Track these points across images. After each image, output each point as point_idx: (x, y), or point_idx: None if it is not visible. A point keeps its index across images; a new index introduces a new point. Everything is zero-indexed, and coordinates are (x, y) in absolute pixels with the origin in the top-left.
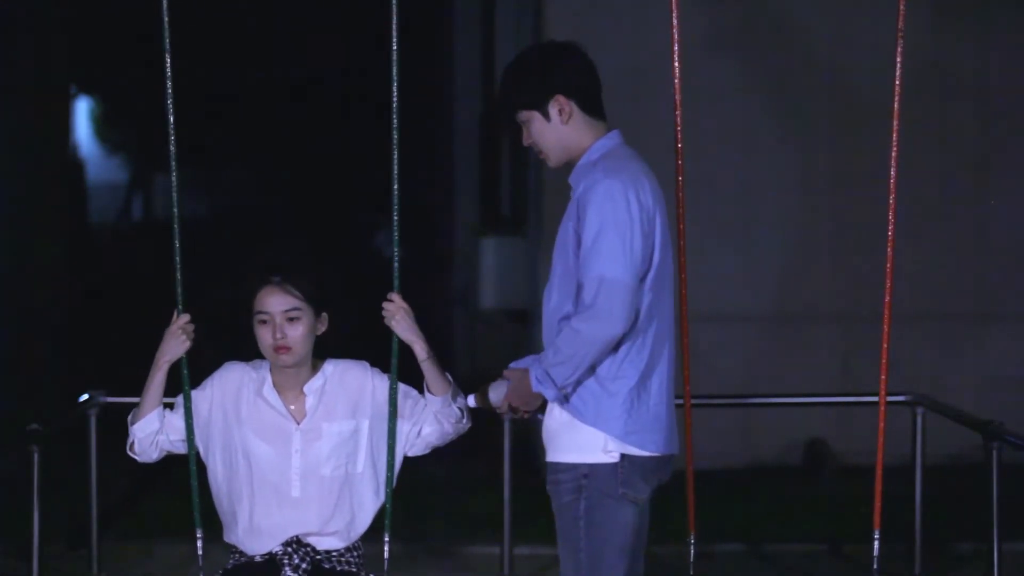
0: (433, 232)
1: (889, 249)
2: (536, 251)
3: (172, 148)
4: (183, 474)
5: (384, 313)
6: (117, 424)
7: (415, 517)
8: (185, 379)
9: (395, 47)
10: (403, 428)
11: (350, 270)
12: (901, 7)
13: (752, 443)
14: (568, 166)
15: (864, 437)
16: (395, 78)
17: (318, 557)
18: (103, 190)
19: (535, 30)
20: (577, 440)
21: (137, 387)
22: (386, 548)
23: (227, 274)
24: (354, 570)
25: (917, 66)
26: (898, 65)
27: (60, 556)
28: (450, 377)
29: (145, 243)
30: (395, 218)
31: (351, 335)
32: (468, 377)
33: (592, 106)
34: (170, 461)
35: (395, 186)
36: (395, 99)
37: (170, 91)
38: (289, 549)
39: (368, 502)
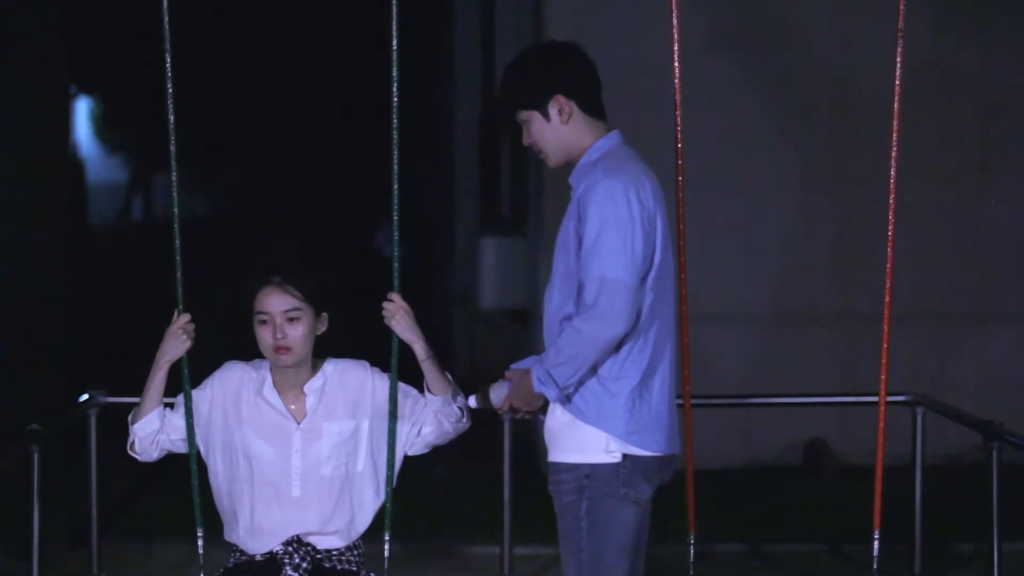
0: (433, 232)
1: (889, 249)
2: (536, 251)
3: (172, 148)
4: (183, 474)
5: (384, 313)
6: (117, 424)
7: (415, 517)
8: (185, 378)
9: (395, 47)
10: (403, 427)
11: (350, 270)
12: (901, 7)
13: (752, 443)
14: (568, 166)
15: (864, 437)
16: (395, 78)
17: (318, 556)
18: (103, 190)
19: (535, 30)
20: (579, 440)
21: (137, 387)
22: (386, 547)
23: (227, 274)
24: (354, 569)
25: (917, 66)
26: (898, 65)
27: (60, 556)
28: (450, 376)
29: (145, 243)
30: (395, 218)
31: (351, 335)
32: (468, 377)
33: (592, 106)
34: (170, 461)
35: (395, 186)
36: (395, 99)
37: (170, 91)
38: (290, 548)
39: (368, 501)
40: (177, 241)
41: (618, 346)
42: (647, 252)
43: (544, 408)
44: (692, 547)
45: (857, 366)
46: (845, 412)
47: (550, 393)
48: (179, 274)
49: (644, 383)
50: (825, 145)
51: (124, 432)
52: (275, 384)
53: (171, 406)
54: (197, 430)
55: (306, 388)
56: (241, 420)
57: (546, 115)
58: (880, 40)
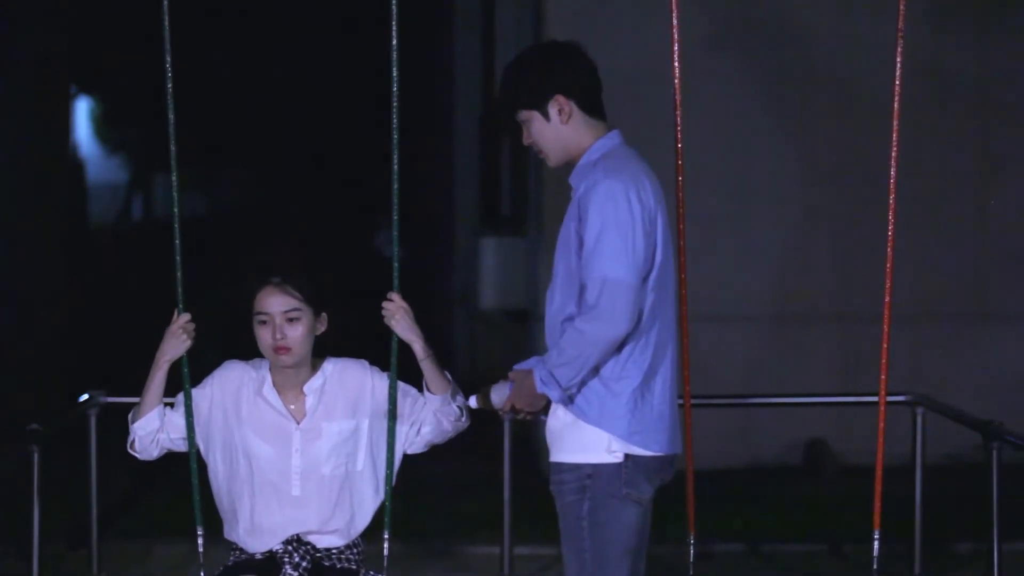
0: (433, 232)
1: (889, 249)
2: (536, 251)
3: (172, 148)
4: (183, 474)
5: (384, 312)
6: (117, 424)
7: (415, 517)
8: (186, 378)
9: (395, 47)
10: (402, 427)
11: (350, 270)
12: (901, 7)
13: (752, 443)
14: (568, 166)
15: (864, 437)
16: (395, 78)
17: (318, 555)
18: (103, 190)
19: (535, 30)
20: (581, 440)
21: (137, 387)
22: (385, 546)
23: (227, 274)
24: (354, 567)
25: (917, 66)
26: (898, 65)
27: (60, 556)
28: (449, 376)
29: (145, 243)
30: (395, 218)
31: (351, 334)
32: (468, 377)
33: (592, 106)
34: (170, 460)
35: (395, 186)
36: (395, 99)
37: (170, 91)
38: (290, 547)
39: (368, 500)
40: (177, 241)
41: (620, 346)
42: (648, 252)
43: (546, 409)
44: (692, 547)
45: (857, 366)
46: (845, 412)
47: (553, 394)
48: (179, 274)
49: (646, 383)
50: (825, 145)
51: (124, 432)
52: (275, 384)
53: (171, 405)
54: (197, 429)
55: (306, 388)
56: (241, 420)
57: (546, 115)
58: (880, 40)
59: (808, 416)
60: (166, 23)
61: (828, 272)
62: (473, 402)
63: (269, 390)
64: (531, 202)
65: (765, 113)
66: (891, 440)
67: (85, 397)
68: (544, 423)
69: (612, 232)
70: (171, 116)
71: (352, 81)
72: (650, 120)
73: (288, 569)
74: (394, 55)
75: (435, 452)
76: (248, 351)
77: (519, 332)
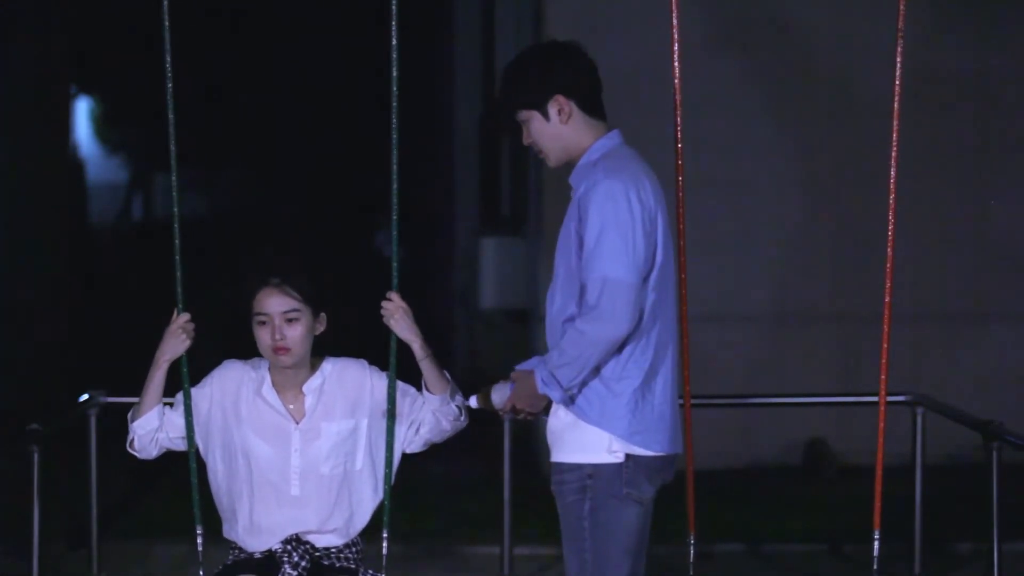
0: (433, 232)
1: (889, 249)
2: (536, 251)
3: (172, 148)
4: (183, 474)
5: (383, 312)
6: (117, 424)
7: (415, 517)
8: (185, 377)
9: (395, 46)
10: (401, 426)
11: (350, 270)
12: (901, 7)
13: (752, 443)
14: (569, 166)
15: (864, 437)
16: (395, 78)
17: (317, 554)
18: (103, 190)
19: (535, 30)
20: (582, 440)
21: (137, 387)
22: (384, 545)
23: (227, 274)
24: (352, 566)
25: (917, 66)
26: (898, 65)
27: (60, 556)
28: (448, 375)
29: (145, 243)
30: (394, 218)
31: (351, 334)
32: (468, 377)
33: (592, 106)
34: (170, 460)
35: (394, 186)
36: (395, 99)
37: (170, 91)
38: (289, 547)
39: (367, 499)
40: (177, 241)
41: (620, 346)
42: (648, 252)
43: (547, 409)
44: (692, 547)
45: (857, 366)
46: (845, 412)
47: (554, 394)
48: (179, 274)
49: (646, 383)
50: (825, 145)
51: (124, 432)
52: (274, 384)
53: (171, 405)
54: (196, 428)
55: (305, 388)
56: (240, 419)
57: (546, 115)
58: (880, 40)
59: (808, 416)
60: (166, 23)
61: (828, 272)
62: (474, 402)
63: (268, 390)
64: (531, 202)
65: (765, 113)
66: (891, 440)
67: (85, 397)
68: (545, 423)
69: (612, 232)
70: (171, 116)
71: (352, 81)
72: (650, 120)
73: (287, 568)
74: (394, 55)
75: (435, 452)
76: (248, 351)
77: (519, 332)
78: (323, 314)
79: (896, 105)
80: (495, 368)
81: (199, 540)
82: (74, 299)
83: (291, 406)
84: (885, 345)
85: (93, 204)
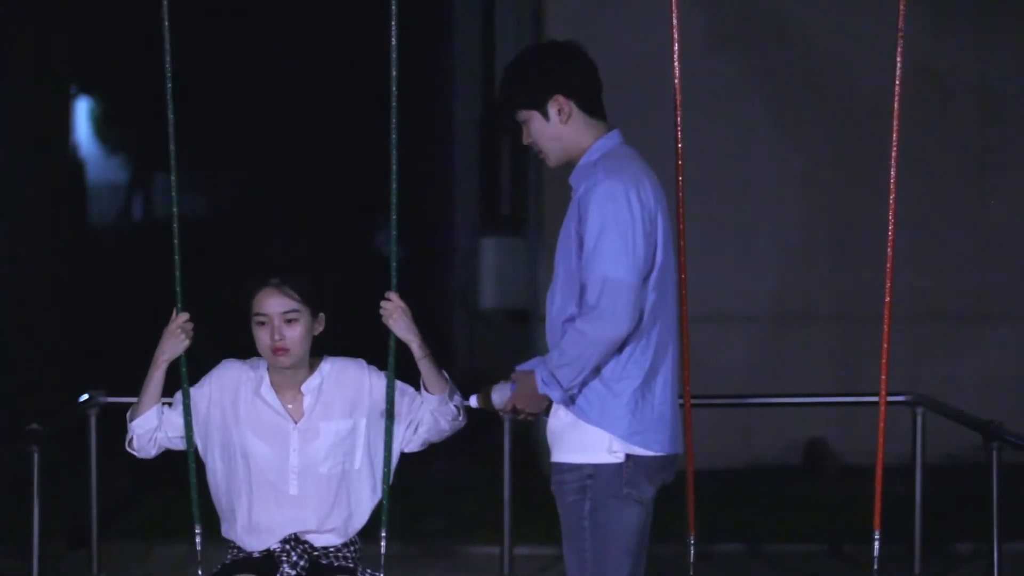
0: (433, 232)
1: (889, 249)
2: (536, 251)
3: (172, 148)
4: (183, 474)
5: (382, 312)
6: (117, 424)
7: (415, 517)
8: (184, 377)
9: (395, 46)
10: (400, 426)
11: (350, 270)
12: (901, 7)
13: (752, 443)
14: (569, 165)
15: (864, 437)
16: (394, 78)
17: (316, 553)
18: (103, 190)
19: (535, 30)
20: (582, 440)
21: (137, 387)
22: (383, 544)
23: (227, 274)
24: (351, 565)
25: (917, 66)
26: (898, 65)
27: (60, 556)
28: (446, 375)
29: (145, 243)
30: (393, 218)
31: (349, 334)
32: (468, 377)
33: (592, 106)
34: (170, 461)
35: (394, 186)
36: (394, 99)
37: (169, 91)
38: (287, 546)
39: (365, 499)
40: (176, 241)
41: (621, 346)
42: (648, 252)
43: (547, 410)
44: (692, 547)
45: (857, 366)
46: (845, 412)
47: (554, 394)
48: (178, 274)
49: (647, 383)
50: (825, 145)
51: (124, 432)
52: (273, 384)
53: (169, 404)
54: (195, 428)
55: (303, 388)
56: (239, 419)
57: (545, 115)
58: (880, 40)
59: (808, 416)
60: (166, 23)
61: (828, 272)
62: (474, 402)
63: (267, 390)
64: (531, 202)
65: (765, 113)
66: (891, 440)
67: (85, 397)
68: (545, 423)
69: (612, 232)
70: (171, 116)
71: (352, 81)
72: (650, 120)
73: (286, 568)
74: (394, 55)
75: (435, 452)
76: (247, 351)
77: (519, 332)
78: (322, 314)
79: (896, 105)
80: (495, 368)
81: (197, 540)
82: (74, 299)
83: (290, 406)
84: (885, 345)
85: (93, 204)
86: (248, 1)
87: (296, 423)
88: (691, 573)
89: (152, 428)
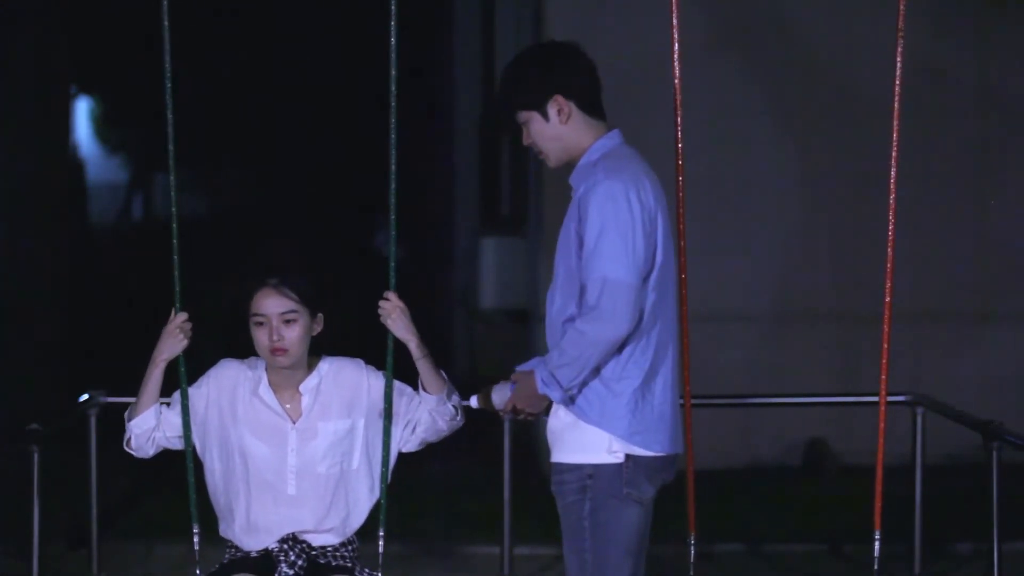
0: (433, 232)
1: (889, 249)
2: (536, 251)
3: (171, 148)
4: (183, 474)
5: (380, 312)
6: (117, 424)
7: (415, 517)
8: (182, 377)
9: (394, 46)
10: (397, 426)
11: (350, 270)
12: (901, 7)
13: (752, 443)
14: (569, 166)
15: (864, 437)
16: (393, 77)
17: (313, 553)
18: (103, 190)
19: (535, 30)
20: (582, 440)
21: (137, 387)
22: (380, 543)
23: (226, 274)
24: (349, 564)
25: (917, 66)
26: (898, 65)
27: (60, 556)
28: (444, 375)
29: (145, 243)
30: (392, 218)
31: (349, 334)
32: (468, 377)
33: (591, 106)
34: (170, 461)
35: (393, 186)
36: (393, 99)
37: (169, 90)
38: (285, 546)
39: (363, 499)
40: (175, 240)
41: (620, 347)
42: (648, 252)
43: (547, 410)
44: (692, 547)
45: (857, 366)
46: (845, 412)
47: (554, 394)
48: (176, 274)
49: (646, 383)
50: (825, 146)
51: (124, 432)
52: (271, 383)
53: (167, 404)
54: (193, 428)
55: (302, 387)
56: (237, 419)
57: (545, 115)
58: (880, 40)
59: (808, 416)
60: (165, 23)
61: (828, 272)
62: (474, 402)
63: (265, 390)
64: (531, 202)
65: (765, 113)
66: (891, 440)
67: (85, 397)
68: (545, 423)
69: (612, 232)
70: (170, 116)
71: (352, 81)
72: (650, 120)
73: (284, 567)
74: (393, 55)
75: (435, 452)
76: (246, 351)
77: (519, 332)
78: (320, 315)
79: (896, 105)
80: (495, 368)
81: (195, 539)
82: (74, 299)
83: (288, 406)
84: (885, 345)
85: (93, 204)
86: (248, 1)
87: (294, 423)
88: (691, 573)
89: (150, 428)
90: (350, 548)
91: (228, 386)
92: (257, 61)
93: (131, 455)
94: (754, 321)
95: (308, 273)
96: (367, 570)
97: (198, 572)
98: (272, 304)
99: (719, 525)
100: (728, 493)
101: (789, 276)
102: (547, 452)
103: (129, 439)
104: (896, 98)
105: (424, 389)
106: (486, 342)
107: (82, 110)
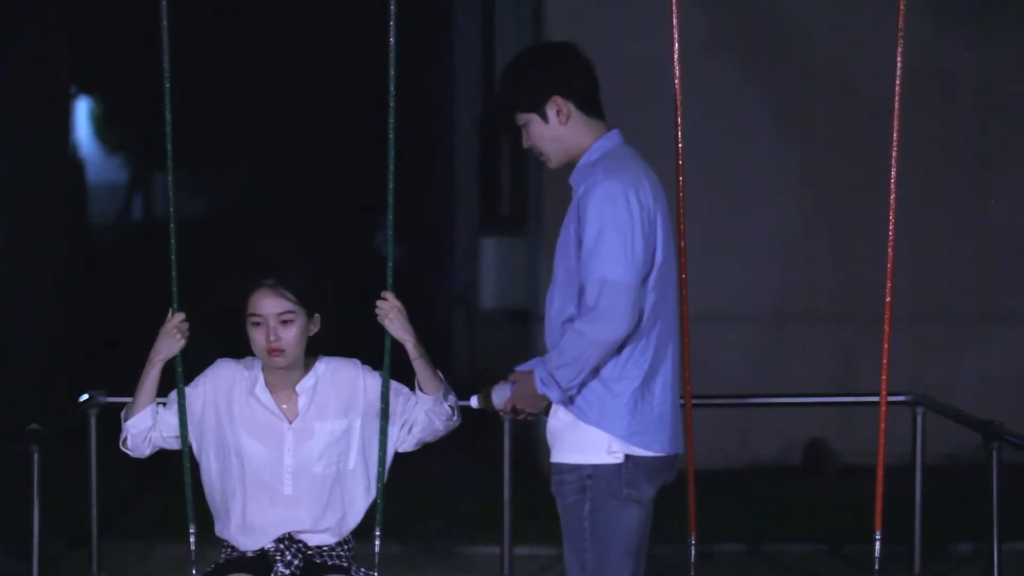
0: (433, 232)
1: (889, 249)
2: (536, 251)
3: (168, 148)
4: (182, 473)
5: (377, 311)
6: (117, 424)
7: (415, 517)
8: (179, 377)
9: (393, 44)
10: (394, 426)
11: (350, 270)
12: (901, 7)
13: (752, 443)
14: (569, 165)
15: (864, 437)
16: (392, 77)
17: (309, 553)
18: (103, 190)
19: (535, 30)
20: (581, 441)
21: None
22: (376, 543)
23: (225, 273)
24: (344, 564)
25: (917, 66)
26: (898, 65)
27: (60, 556)
28: (441, 375)
29: (145, 243)
30: (389, 217)
31: (346, 333)
32: (468, 377)
33: (590, 106)
34: (170, 461)
35: (390, 185)
36: (392, 99)
37: (167, 91)
38: (281, 546)
39: (359, 499)
40: (173, 240)
41: (620, 347)
42: (647, 253)
43: (547, 410)
44: (693, 548)
45: (857, 366)
46: (845, 412)
47: (553, 395)
48: (174, 274)
49: (646, 384)
50: (825, 145)
51: (121, 431)
52: (267, 383)
53: (164, 403)
54: (190, 428)
55: (298, 387)
56: (233, 419)
57: (544, 117)
58: (880, 40)
59: (808, 416)
60: (165, 23)
61: (828, 272)
62: (474, 402)
63: (262, 390)
64: (531, 202)
65: (765, 113)
66: (891, 440)
67: (85, 397)
68: (545, 423)
69: (611, 233)
70: (168, 116)
71: (352, 81)
72: (650, 120)
73: (280, 567)
74: (392, 55)
75: (435, 452)
76: (244, 351)
77: (519, 332)
78: (317, 315)
79: (896, 105)
80: (495, 368)
81: (191, 539)
82: (74, 299)
83: (284, 406)
84: (885, 345)
85: (93, 204)
86: (248, 1)
87: (291, 423)
88: (691, 573)
89: (147, 428)
90: (346, 548)
91: (225, 386)
92: (257, 61)
93: (128, 455)
94: (754, 321)
95: (305, 273)
96: (363, 570)
97: (194, 572)
98: (269, 304)
99: (719, 525)
100: (728, 493)
101: (789, 276)
102: (547, 452)
103: (125, 439)
104: (896, 98)
105: (421, 389)
106: (486, 342)
107: (82, 110)
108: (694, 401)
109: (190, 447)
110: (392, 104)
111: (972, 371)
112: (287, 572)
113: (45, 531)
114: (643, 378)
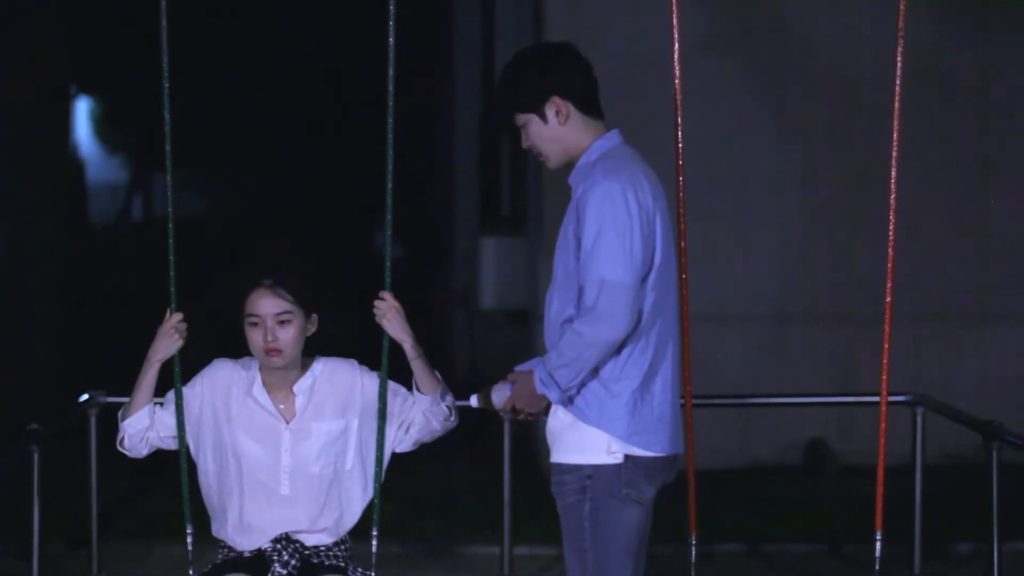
0: (433, 232)
1: (889, 249)
2: (536, 251)
3: (167, 148)
4: (179, 474)
5: (375, 312)
6: (117, 424)
7: (414, 517)
8: (177, 377)
9: (392, 44)
10: (392, 426)
11: (349, 270)
12: (901, 7)
13: (752, 443)
14: (569, 165)
15: (864, 437)
16: (391, 77)
17: (307, 553)
18: (103, 190)
19: (535, 30)
20: (581, 441)
21: None
22: (374, 543)
23: (224, 273)
24: (341, 564)
25: (917, 66)
26: (898, 65)
27: (60, 556)
28: (439, 375)
29: (145, 243)
30: (388, 217)
31: (344, 333)
32: (468, 377)
33: (589, 106)
34: (170, 461)
35: (389, 185)
36: (391, 99)
37: (167, 91)
38: (278, 546)
39: (356, 499)
40: (171, 240)
41: (619, 347)
42: (646, 253)
43: (547, 410)
44: (693, 548)
45: (857, 366)
46: (845, 412)
47: (552, 395)
48: (172, 274)
49: (646, 384)
50: (825, 145)
51: (118, 431)
52: (264, 384)
53: (161, 404)
54: (187, 428)
55: (295, 388)
56: (231, 419)
57: (543, 117)
58: (880, 40)
59: (808, 416)
60: (164, 23)
61: (828, 272)
62: (474, 402)
63: (259, 390)
64: (531, 202)
65: (765, 113)
66: (891, 440)
67: (85, 397)
68: (544, 424)
69: (610, 233)
70: (167, 116)
71: (352, 81)
72: (650, 120)
73: (277, 567)
74: (391, 55)
75: (434, 452)
76: (242, 351)
77: (519, 332)
78: (315, 315)
79: (896, 105)
80: (495, 368)
81: (189, 539)
82: (74, 299)
83: (281, 406)
84: (886, 345)
85: (93, 204)
86: (248, 1)
87: (288, 423)
88: (692, 573)
89: (144, 428)
90: (343, 548)
91: (222, 386)
92: (257, 61)
93: (126, 455)
94: (754, 321)
95: (303, 274)
96: (360, 570)
97: (191, 572)
98: (266, 305)
99: (719, 525)
100: (728, 493)
101: (789, 276)
102: (547, 452)
103: (123, 439)
104: (896, 98)
105: (418, 389)
106: (486, 342)
107: (82, 110)
108: (694, 401)
109: (187, 447)
110: (392, 104)
111: (972, 371)
112: (284, 572)
113: (45, 531)
114: (643, 378)
